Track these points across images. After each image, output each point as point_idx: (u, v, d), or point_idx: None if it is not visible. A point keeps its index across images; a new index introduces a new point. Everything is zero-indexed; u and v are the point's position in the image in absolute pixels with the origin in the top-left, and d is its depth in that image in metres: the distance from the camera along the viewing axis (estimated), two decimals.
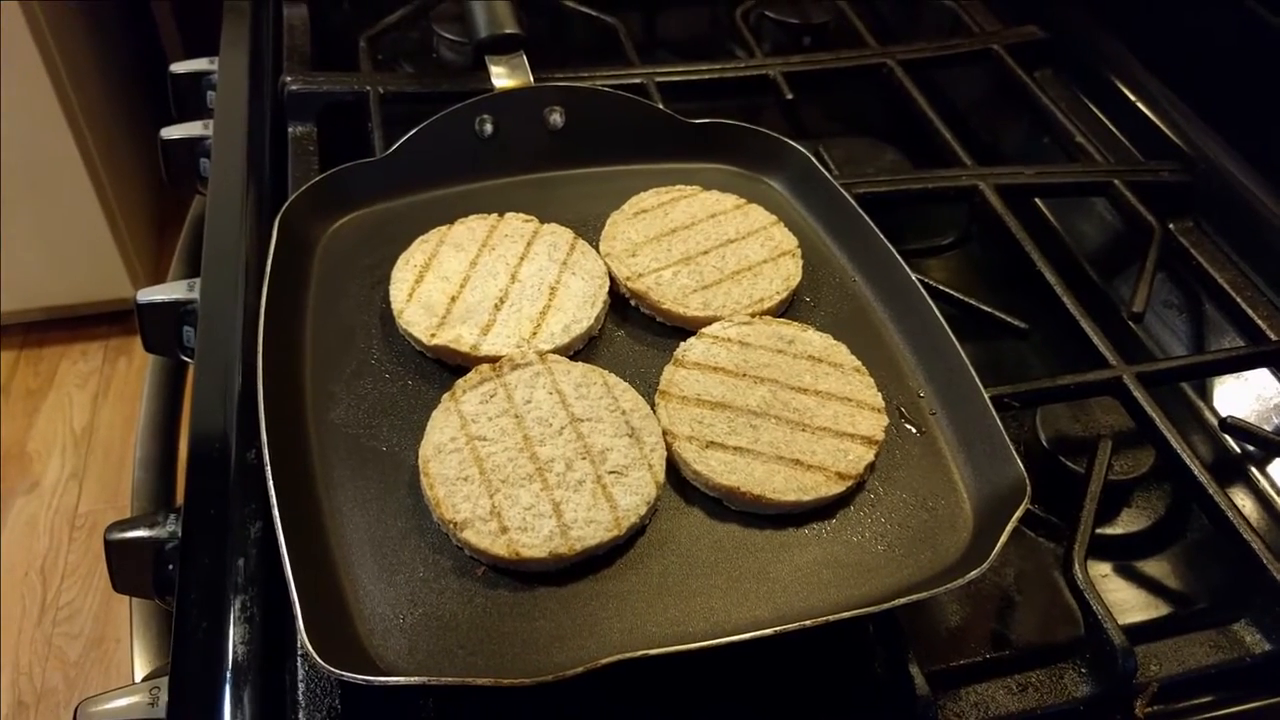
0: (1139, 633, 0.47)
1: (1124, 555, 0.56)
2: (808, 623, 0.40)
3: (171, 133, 0.81)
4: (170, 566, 0.56)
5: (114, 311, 2.15)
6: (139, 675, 0.61)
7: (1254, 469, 0.61)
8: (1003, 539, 0.44)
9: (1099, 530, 0.57)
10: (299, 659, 0.45)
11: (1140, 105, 0.76)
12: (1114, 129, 0.78)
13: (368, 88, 0.71)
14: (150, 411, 0.74)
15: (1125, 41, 0.80)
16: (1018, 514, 0.45)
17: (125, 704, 0.50)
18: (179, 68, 0.87)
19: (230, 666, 0.44)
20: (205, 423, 0.54)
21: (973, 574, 0.43)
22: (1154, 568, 0.56)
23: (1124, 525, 0.57)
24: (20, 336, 2.14)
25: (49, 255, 1.97)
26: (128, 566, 0.57)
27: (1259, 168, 0.68)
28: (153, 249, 2.22)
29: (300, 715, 0.43)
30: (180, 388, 0.77)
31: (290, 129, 0.71)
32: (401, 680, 0.38)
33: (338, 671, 0.38)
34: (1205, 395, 0.65)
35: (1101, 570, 0.55)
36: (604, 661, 0.38)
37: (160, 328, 0.68)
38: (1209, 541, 0.56)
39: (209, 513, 0.50)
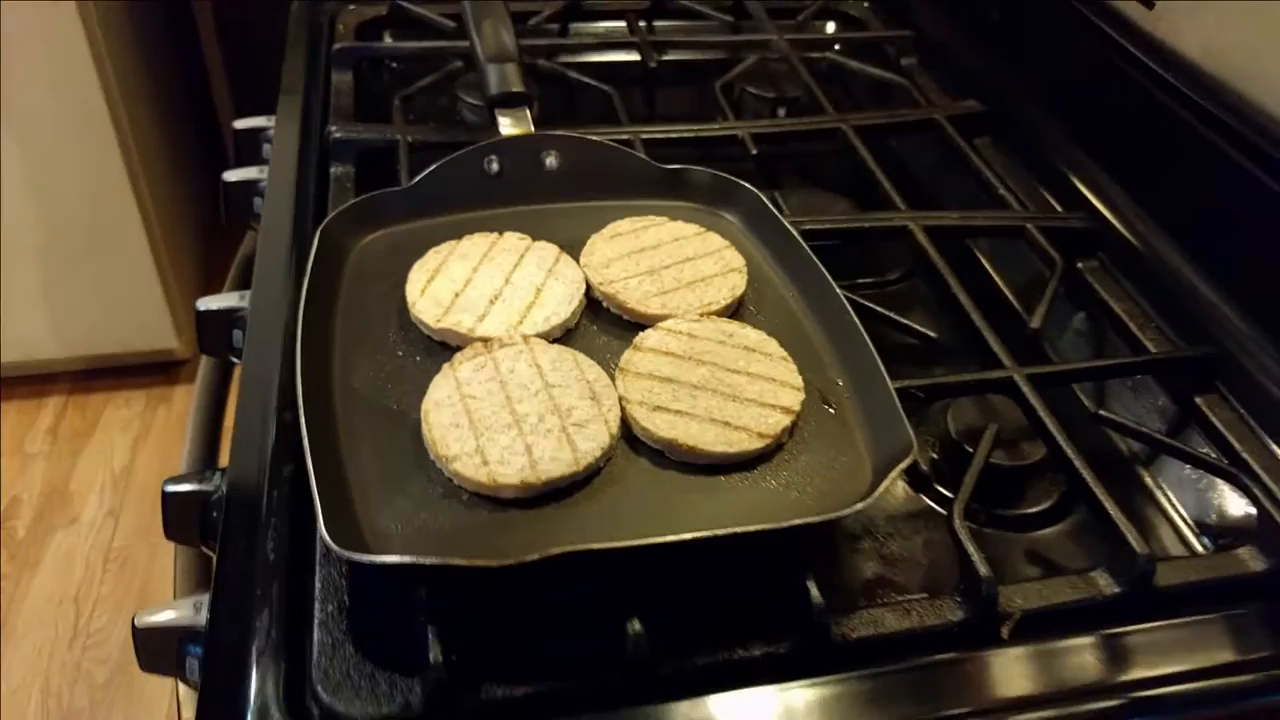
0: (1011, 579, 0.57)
1: (1018, 529, 0.66)
2: (719, 532, 0.51)
3: (231, 176, 0.95)
4: (215, 514, 0.68)
5: (158, 363, 2.28)
6: None
7: (1136, 466, 0.71)
8: (887, 480, 0.54)
9: (1000, 511, 0.67)
10: (316, 566, 0.55)
11: (1059, 165, 0.88)
12: (1040, 187, 0.90)
13: (398, 136, 0.85)
14: (200, 406, 0.86)
15: (1053, 114, 0.93)
16: (904, 464, 0.55)
17: (174, 615, 0.61)
18: (241, 124, 1.02)
19: (262, 571, 0.55)
20: (251, 393, 0.66)
21: (858, 506, 0.53)
22: (1040, 539, 0.66)
23: (1021, 507, 0.68)
24: (69, 383, 2.28)
25: (103, 308, 2.11)
26: (179, 515, 0.68)
27: (1154, 217, 0.80)
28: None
29: (315, 607, 0.54)
30: (225, 387, 0.89)
31: (332, 169, 0.85)
32: (394, 559, 0.48)
33: (347, 553, 0.49)
34: (1104, 404, 0.75)
35: (1001, 540, 0.65)
36: (554, 551, 0.48)
37: (215, 331, 0.81)
38: (1090, 521, 0.66)
39: (251, 459, 0.62)
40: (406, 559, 0.49)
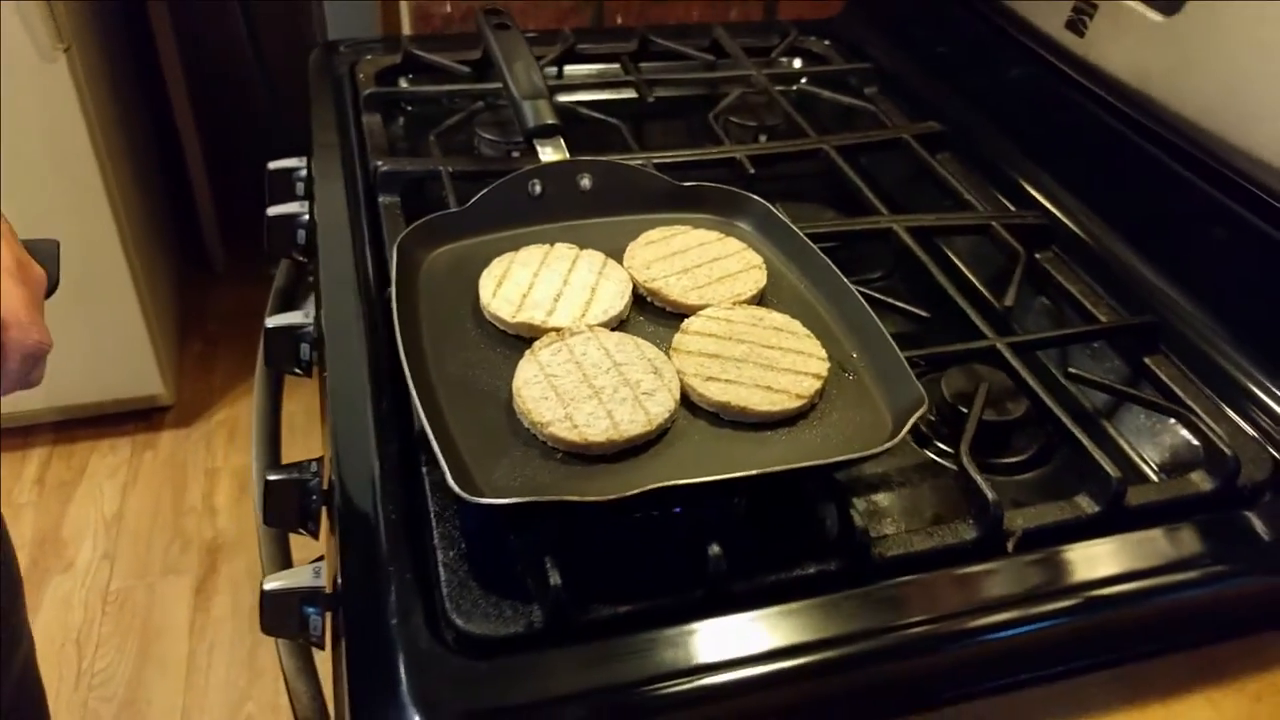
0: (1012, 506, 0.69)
1: (1006, 474, 0.78)
2: (779, 468, 0.62)
3: (273, 211, 1.04)
4: (314, 498, 0.77)
5: (140, 410, 2.31)
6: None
7: (1100, 419, 0.84)
8: (906, 428, 0.65)
9: (990, 459, 0.79)
10: (433, 523, 0.65)
11: (1011, 174, 1.02)
12: (996, 193, 1.04)
13: (440, 168, 0.96)
14: (261, 412, 0.95)
15: (1003, 130, 1.08)
16: (919, 413, 0.67)
17: (295, 580, 0.70)
18: (274, 165, 1.12)
19: (387, 531, 0.65)
20: (341, 392, 0.75)
21: (882, 447, 0.64)
22: (1024, 481, 0.78)
23: (1010, 456, 0.80)
24: (52, 434, 2.30)
25: (89, 357, 2.14)
26: (279, 502, 0.77)
27: (1097, 212, 0.94)
28: (176, 352, 2.39)
29: (438, 555, 0.63)
30: (279, 397, 0.98)
31: (381, 199, 0.95)
32: (521, 499, 0.59)
33: (479, 499, 0.58)
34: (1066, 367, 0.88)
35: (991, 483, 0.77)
36: (649, 487, 0.58)
37: (282, 347, 0.90)
38: (1070, 463, 0.78)
39: (357, 442, 0.71)
40: (530, 499, 0.59)
